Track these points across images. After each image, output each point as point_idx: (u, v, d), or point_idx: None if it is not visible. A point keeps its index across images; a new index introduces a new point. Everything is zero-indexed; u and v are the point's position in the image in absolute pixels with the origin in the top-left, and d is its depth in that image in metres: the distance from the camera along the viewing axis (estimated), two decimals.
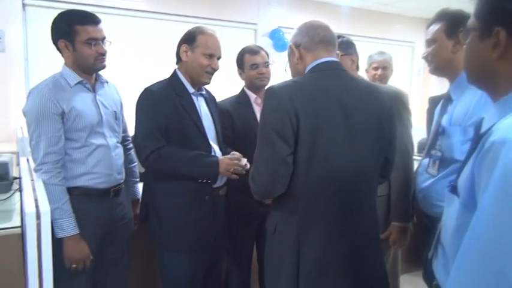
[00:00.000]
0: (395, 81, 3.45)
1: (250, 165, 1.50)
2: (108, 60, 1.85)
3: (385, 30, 6.03)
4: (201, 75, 1.87)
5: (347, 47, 2.09)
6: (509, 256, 0.68)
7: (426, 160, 1.67)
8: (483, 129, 0.87)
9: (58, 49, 1.78)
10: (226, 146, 2.03)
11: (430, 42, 1.65)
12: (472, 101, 1.48)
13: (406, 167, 1.95)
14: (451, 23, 1.57)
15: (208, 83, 1.93)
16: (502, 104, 0.84)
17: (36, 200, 1.48)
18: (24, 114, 1.72)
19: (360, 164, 1.40)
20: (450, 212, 0.92)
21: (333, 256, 1.38)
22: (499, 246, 0.69)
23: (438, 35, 1.61)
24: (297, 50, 1.49)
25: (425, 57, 1.68)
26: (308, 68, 1.47)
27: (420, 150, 2.81)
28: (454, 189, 0.92)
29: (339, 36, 1.77)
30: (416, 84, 6.68)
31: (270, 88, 1.38)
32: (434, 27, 1.63)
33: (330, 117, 1.35)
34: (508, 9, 0.79)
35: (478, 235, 0.73)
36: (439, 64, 1.64)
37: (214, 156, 1.85)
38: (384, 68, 3.03)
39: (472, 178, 0.79)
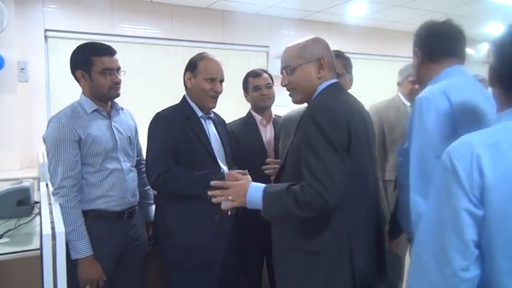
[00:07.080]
0: None
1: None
2: (125, 87, 1.93)
3: (398, 48, 6.04)
4: (205, 100, 1.93)
5: (349, 65, 2.11)
6: None
7: None
8: None
9: (76, 79, 1.88)
10: (234, 165, 2.07)
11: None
12: None
13: None
14: None
15: (213, 107, 1.98)
16: None
17: (52, 223, 1.54)
18: (44, 141, 1.82)
19: (376, 178, 1.53)
20: None
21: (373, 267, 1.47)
22: None
23: None
24: (326, 63, 1.46)
25: None
26: (323, 85, 1.46)
27: None
28: None
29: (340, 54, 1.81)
30: None
31: (326, 105, 1.37)
32: None
33: (361, 134, 1.41)
34: None
35: None
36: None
37: (220, 172, 1.90)
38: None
39: None
